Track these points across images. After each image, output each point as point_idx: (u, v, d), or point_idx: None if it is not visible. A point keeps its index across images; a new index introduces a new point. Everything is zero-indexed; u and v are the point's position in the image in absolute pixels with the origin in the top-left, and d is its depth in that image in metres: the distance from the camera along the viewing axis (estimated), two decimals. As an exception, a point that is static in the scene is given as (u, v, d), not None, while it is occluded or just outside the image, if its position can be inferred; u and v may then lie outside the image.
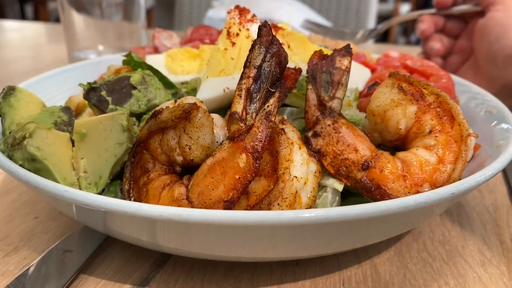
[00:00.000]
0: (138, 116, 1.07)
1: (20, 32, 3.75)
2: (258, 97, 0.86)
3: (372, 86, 1.22)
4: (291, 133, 0.92)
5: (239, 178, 0.83)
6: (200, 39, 1.58)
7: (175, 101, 0.96)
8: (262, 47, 0.86)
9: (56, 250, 0.99)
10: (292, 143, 0.90)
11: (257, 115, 0.86)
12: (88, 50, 2.33)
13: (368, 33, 2.31)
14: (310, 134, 0.99)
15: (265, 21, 0.88)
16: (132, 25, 2.43)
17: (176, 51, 1.36)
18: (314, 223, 0.73)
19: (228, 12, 1.21)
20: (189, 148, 0.90)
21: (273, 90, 0.87)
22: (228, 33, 1.16)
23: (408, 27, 9.79)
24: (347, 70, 1.05)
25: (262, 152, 0.85)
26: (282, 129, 0.91)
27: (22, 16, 9.45)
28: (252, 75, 0.86)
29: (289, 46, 1.21)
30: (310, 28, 2.46)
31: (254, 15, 1.21)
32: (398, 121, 0.98)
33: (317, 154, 0.97)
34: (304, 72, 1.20)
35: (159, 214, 0.73)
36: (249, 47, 1.14)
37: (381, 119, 1.00)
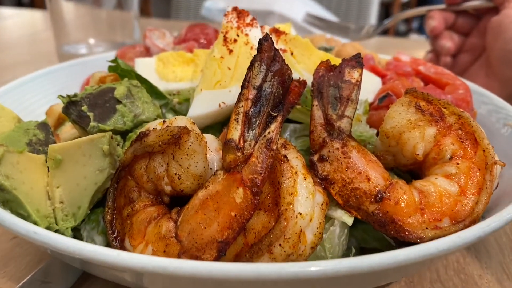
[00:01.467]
0: (123, 133, 0.96)
1: (16, 19, 3.61)
2: (257, 122, 0.75)
3: (383, 98, 1.11)
4: (295, 161, 0.81)
5: (235, 215, 0.73)
6: (195, 39, 1.46)
7: (164, 122, 0.85)
8: (263, 64, 0.75)
9: (34, 281, 0.89)
10: (296, 172, 0.79)
11: (256, 143, 0.75)
12: (78, 44, 2.20)
13: (374, 29, 2.18)
14: (315, 158, 0.88)
15: (266, 34, 0.76)
16: (124, 14, 2.29)
17: (168, 55, 1.24)
18: (322, 277, 0.63)
19: (225, 15, 1.09)
20: (178, 178, 0.79)
21: (275, 114, 0.76)
22: (225, 39, 1.05)
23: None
24: (358, 84, 0.94)
25: (261, 186, 0.74)
26: (285, 156, 0.80)
27: (19, 3, 9.24)
28: (251, 96, 0.75)
29: (292, 53, 1.09)
30: (312, 22, 2.33)
31: (253, 19, 1.09)
32: (415, 145, 0.87)
33: (324, 182, 0.86)
34: (309, 82, 1.09)
35: (141, 266, 0.63)
36: (248, 55, 1.03)
37: (396, 142, 0.90)
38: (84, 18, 2.25)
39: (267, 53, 0.75)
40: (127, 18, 2.31)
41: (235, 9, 1.10)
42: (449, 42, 1.87)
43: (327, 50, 1.47)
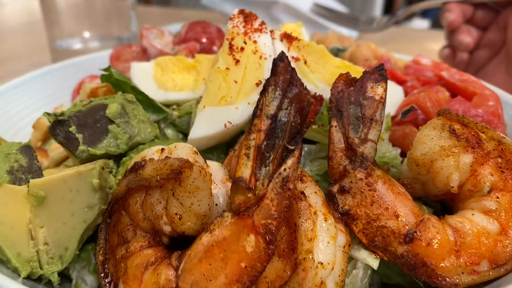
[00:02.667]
0: (117, 157, 0.85)
1: (14, 6, 3.46)
2: (272, 157, 0.64)
3: (407, 112, 1.00)
4: (314, 197, 0.70)
5: (246, 267, 0.62)
6: (196, 38, 1.34)
7: (162, 150, 0.74)
8: (278, 89, 0.64)
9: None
10: (315, 212, 0.68)
11: (270, 181, 0.64)
12: (71, 38, 2.07)
13: (386, 20, 2.05)
14: (335, 189, 0.78)
15: (282, 53, 0.64)
16: (119, 4, 2.15)
17: (167, 59, 1.12)
18: None
19: (231, 19, 0.97)
20: (179, 218, 0.68)
21: (291, 148, 0.65)
22: (231, 47, 0.93)
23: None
24: (382, 102, 0.83)
25: (276, 233, 0.63)
26: (302, 192, 0.70)
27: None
28: (264, 127, 0.64)
29: (305, 62, 0.98)
30: (320, 13, 2.20)
31: (262, 23, 0.98)
32: (449, 176, 0.76)
33: (345, 217, 0.75)
34: (325, 94, 0.98)
35: None
36: (257, 65, 0.91)
37: (426, 170, 0.79)
38: (77, 8, 2.11)
39: (283, 76, 0.64)
40: (123, 8, 2.18)
41: (241, 12, 0.98)
42: (468, 37, 1.75)
43: (340, 50, 1.35)
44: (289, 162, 0.64)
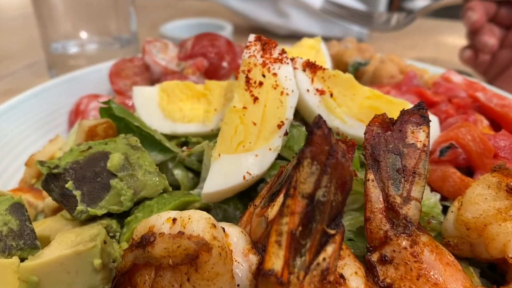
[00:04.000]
0: (121, 215, 0.75)
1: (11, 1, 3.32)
2: (308, 245, 0.53)
3: (446, 150, 0.89)
4: (354, 280, 0.60)
5: None
6: (203, 53, 1.22)
7: (174, 220, 0.63)
8: (315, 163, 0.53)
9: None
10: (356, 300, 0.58)
11: (306, 274, 0.53)
12: (67, 40, 1.94)
13: (404, 17, 1.92)
14: (375, 258, 0.67)
15: (319, 118, 0.53)
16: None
17: (174, 85, 1.00)
18: None
19: (247, 47, 0.85)
20: (196, 306, 0.58)
21: (332, 232, 0.54)
22: (247, 81, 0.81)
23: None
24: (425, 150, 0.72)
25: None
26: (341, 275, 0.59)
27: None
28: (299, 209, 0.53)
29: (331, 95, 0.86)
30: (331, 11, 2.06)
31: (283, 51, 0.86)
32: (507, 243, 0.65)
33: (386, 292, 0.65)
34: (355, 131, 0.87)
35: None
36: (278, 103, 0.80)
37: (478, 234, 0.68)
38: (72, 4, 1.97)
39: (321, 146, 0.53)
40: (122, 3, 2.04)
41: (259, 38, 0.86)
42: (492, 38, 1.62)
43: (361, 65, 1.23)
44: (329, 249, 0.54)
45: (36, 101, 1.21)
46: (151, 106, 1.01)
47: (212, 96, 0.96)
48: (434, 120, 0.96)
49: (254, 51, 0.84)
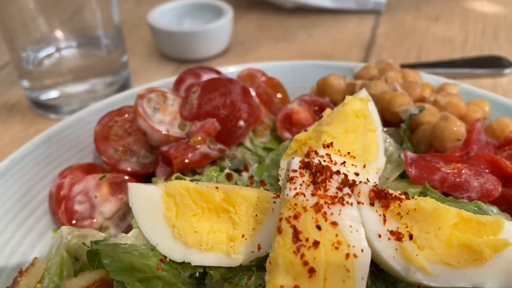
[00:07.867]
0: None
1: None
2: None
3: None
4: None
5: None
6: (213, 114, 0.94)
7: None
8: None
9: None
10: None
11: None
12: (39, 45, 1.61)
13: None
14: None
15: None
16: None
17: (184, 190, 0.74)
18: None
19: (290, 179, 0.59)
20: None
21: None
22: (295, 235, 0.56)
23: None
24: None
25: None
26: None
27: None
28: None
29: (411, 237, 0.61)
30: None
31: (342, 182, 0.59)
32: None
33: None
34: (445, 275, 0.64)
35: None
36: (343, 273, 0.56)
37: None
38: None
39: None
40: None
41: (306, 165, 0.59)
42: None
43: (413, 115, 0.96)
44: None
45: (4, 181, 0.95)
46: (155, 217, 0.76)
47: (237, 214, 0.71)
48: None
49: (301, 185, 0.58)
